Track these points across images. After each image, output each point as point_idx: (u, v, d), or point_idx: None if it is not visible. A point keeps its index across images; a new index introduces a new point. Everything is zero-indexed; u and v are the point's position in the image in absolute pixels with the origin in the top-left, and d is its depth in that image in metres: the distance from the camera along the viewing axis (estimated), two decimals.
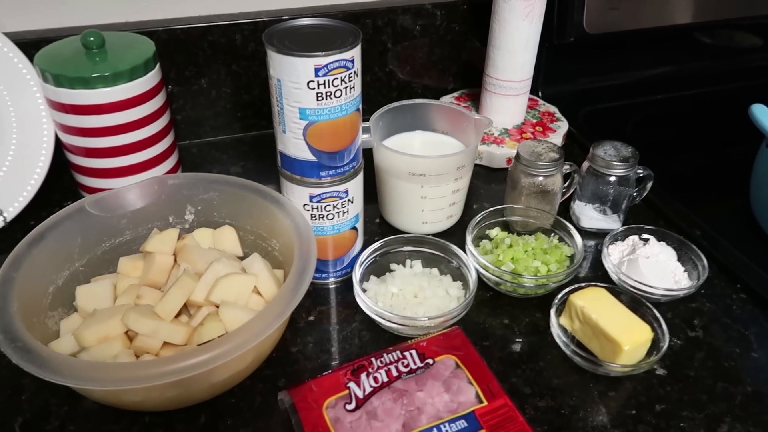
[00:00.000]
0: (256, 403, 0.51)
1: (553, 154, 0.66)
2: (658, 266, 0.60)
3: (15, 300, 0.46)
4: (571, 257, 0.62)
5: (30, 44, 0.70)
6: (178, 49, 0.79)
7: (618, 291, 0.57)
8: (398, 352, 0.51)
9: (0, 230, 0.67)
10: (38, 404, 0.50)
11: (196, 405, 0.49)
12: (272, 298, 0.52)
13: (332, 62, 0.49)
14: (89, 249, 0.56)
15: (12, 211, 0.68)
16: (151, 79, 0.68)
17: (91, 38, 0.66)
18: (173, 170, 0.76)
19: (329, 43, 0.50)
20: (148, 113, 0.69)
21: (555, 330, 0.55)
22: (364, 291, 0.58)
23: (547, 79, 0.93)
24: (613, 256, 0.63)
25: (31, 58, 0.67)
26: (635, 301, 0.56)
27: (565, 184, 0.70)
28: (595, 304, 0.53)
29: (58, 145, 0.70)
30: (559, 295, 0.57)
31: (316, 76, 0.49)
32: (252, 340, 0.43)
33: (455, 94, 0.93)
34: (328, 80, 0.50)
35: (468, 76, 0.96)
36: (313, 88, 0.50)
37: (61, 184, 0.74)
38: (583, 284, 0.57)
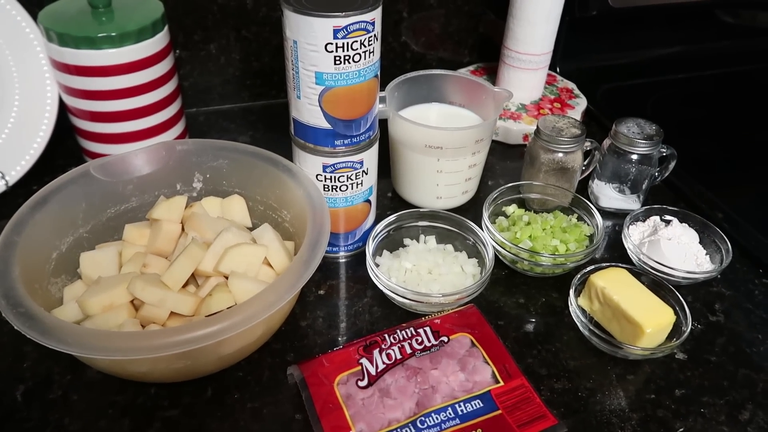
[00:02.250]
0: (264, 377, 0.49)
1: (575, 129, 0.63)
2: (680, 248, 0.59)
3: (17, 265, 0.44)
4: (591, 237, 0.60)
5: (33, 2, 0.67)
6: (187, 11, 0.77)
7: (638, 272, 0.55)
8: (412, 329, 0.50)
9: (1, 194, 0.65)
10: (41, 372, 0.49)
11: (203, 378, 0.48)
12: (284, 270, 0.50)
13: (352, 24, 0.47)
14: (94, 215, 0.54)
15: (14, 174, 0.66)
16: (159, 41, 0.65)
17: None
18: (180, 138, 0.74)
19: (349, 3, 0.47)
20: (155, 77, 0.66)
21: (574, 310, 0.53)
22: (377, 266, 0.56)
23: (566, 55, 0.90)
24: (634, 236, 0.61)
25: (34, 16, 0.64)
26: (656, 284, 0.54)
27: (585, 162, 0.67)
28: (616, 285, 0.52)
29: (62, 108, 0.68)
30: (579, 275, 0.55)
31: (335, 38, 0.47)
32: (263, 313, 0.41)
33: (471, 68, 0.91)
34: (347, 43, 0.47)
35: (484, 49, 0.93)
36: (331, 51, 0.47)
37: (65, 148, 0.72)
38: (603, 264, 0.55)
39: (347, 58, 0.48)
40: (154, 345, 0.39)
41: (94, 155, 0.70)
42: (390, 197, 0.70)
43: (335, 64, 0.48)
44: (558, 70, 0.91)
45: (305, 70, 0.49)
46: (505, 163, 0.78)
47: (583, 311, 0.54)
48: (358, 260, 0.61)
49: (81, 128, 0.68)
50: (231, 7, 0.78)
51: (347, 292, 0.58)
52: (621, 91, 0.92)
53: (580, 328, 0.53)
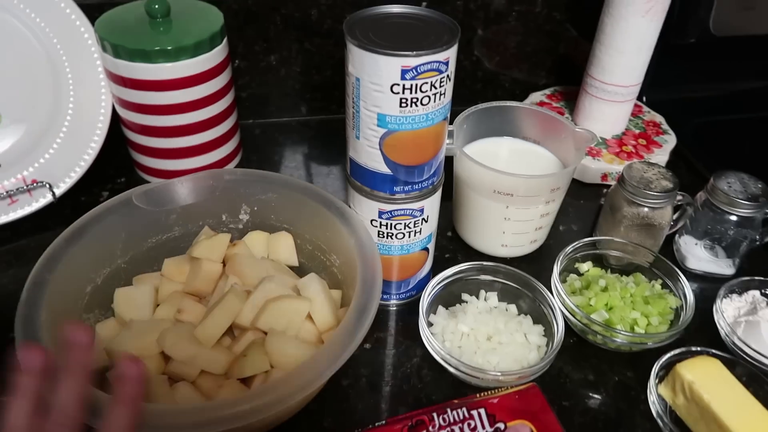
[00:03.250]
0: None
1: (666, 182, 0.56)
2: None
3: (45, 307, 0.41)
4: (677, 310, 0.52)
5: (94, 6, 0.64)
6: (249, 21, 0.73)
7: (731, 360, 0.47)
8: (464, 409, 0.44)
9: (49, 206, 0.63)
10: None
11: None
12: (327, 328, 0.46)
13: (423, 64, 0.41)
14: (134, 245, 0.51)
15: (62, 186, 0.64)
16: (216, 55, 0.62)
17: (156, 6, 0.60)
18: (234, 153, 0.71)
19: (421, 39, 0.42)
20: (211, 92, 0.63)
21: (653, 400, 0.47)
22: (431, 325, 0.51)
23: (656, 83, 0.81)
24: (728, 312, 0.53)
25: (94, 21, 0.61)
26: (753, 378, 0.47)
27: (674, 217, 0.60)
28: (708, 382, 0.44)
29: (117, 118, 0.65)
30: (662, 360, 0.48)
31: (403, 79, 0.41)
32: (297, 394, 0.37)
33: (546, 91, 0.83)
34: (416, 85, 0.42)
35: (564, 72, 0.86)
36: (397, 93, 0.42)
37: (117, 159, 0.70)
38: (692, 349, 0.48)
39: (415, 100, 0.42)
40: (175, 423, 0.35)
41: (145, 168, 0.68)
42: (449, 237, 0.64)
43: (401, 106, 0.43)
44: (645, 99, 0.82)
45: (367, 111, 0.44)
46: (579, 203, 0.70)
47: (664, 402, 0.47)
48: (410, 309, 0.56)
49: (134, 141, 0.66)
50: (295, 18, 0.73)
51: (396, 348, 0.53)
52: (716, 126, 0.82)
53: (659, 422, 0.46)
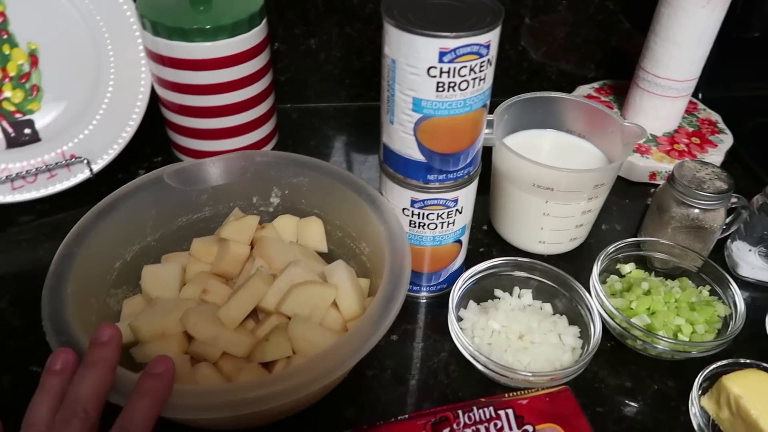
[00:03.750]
0: None
1: (720, 183, 0.52)
2: None
3: (72, 280, 0.41)
4: (725, 319, 0.49)
5: None
6: (289, 3, 0.72)
7: None
8: (491, 408, 0.42)
9: (86, 181, 0.64)
10: None
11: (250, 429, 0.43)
12: (352, 316, 0.45)
13: (462, 46, 0.39)
14: (163, 223, 0.51)
15: (100, 162, 0.64)
16: (254, 36, 0.61)
17: None
18: (269, 136, 0.70)
19: (461, 20, 0.40)
20: (248, 74, 0.62)
21: (695, 412, 0.44)
22: (460, 319, 0.49)
23: (713, 79, 0.76)
24: None
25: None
26: None
27: (727, 220, 0.56)
28: (756, 396, 0.41)
29: (155, 97, 0.65)
30: (707, 371, 0.45)
31: (440, 61, 0.39)
32: (317, 382, 0.35)
33: (595, 85, 0.80)
34: (454, 68, 0.40)
35: (614, 66, 0.82)
36: (434, 76, 0.40)
37: (155, 137, 0.70)
38: (740, 361, 0.45)
39: (452, 85, 0.40)
40: (194, 404, 0.34)
41: (182, 149, 0.68)
42: (485, 231, 0.62)
43: (437, 90, 0.41)
44: (700, 96, 0.78)
45: (402, 94, 0.42)
46: (624, 201, 0.67)
47: (707, 415, 0.44)
48: (440, 302, 0.54)
49: (171, 121, 0.66)
50: (336, 1, 0.72)
51: (424, 341, 0.51)
52: None
53: None
